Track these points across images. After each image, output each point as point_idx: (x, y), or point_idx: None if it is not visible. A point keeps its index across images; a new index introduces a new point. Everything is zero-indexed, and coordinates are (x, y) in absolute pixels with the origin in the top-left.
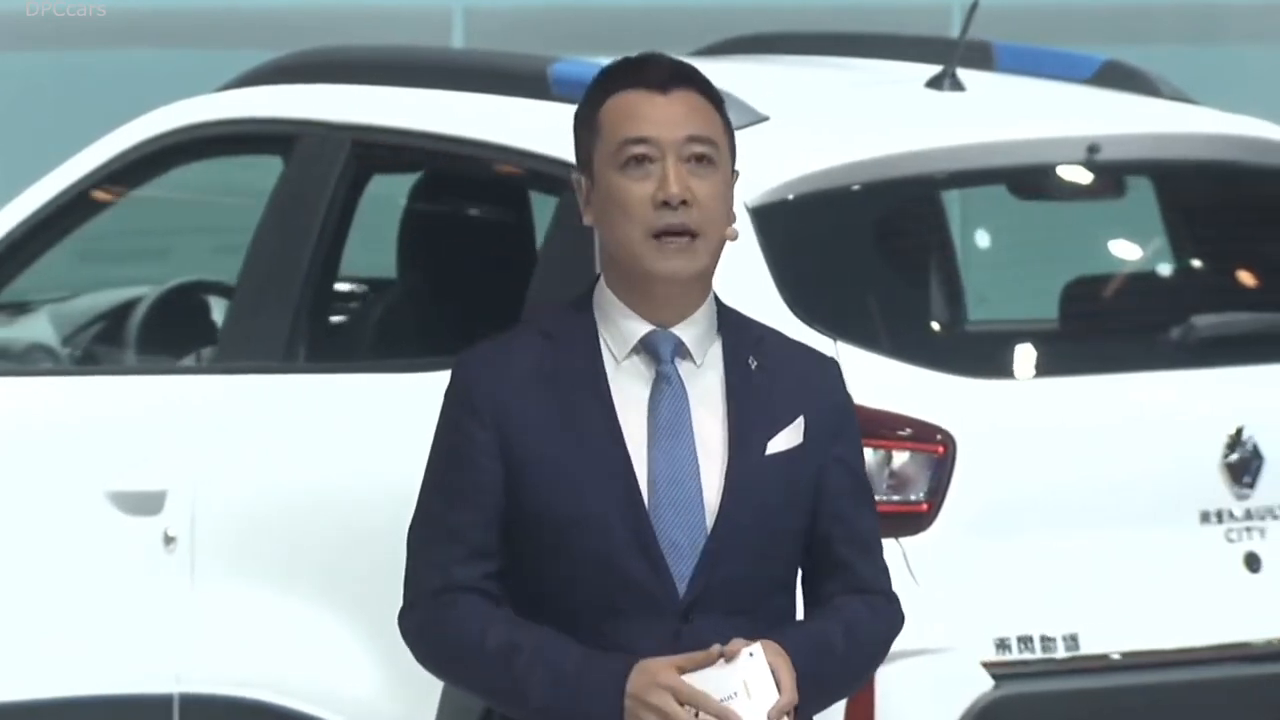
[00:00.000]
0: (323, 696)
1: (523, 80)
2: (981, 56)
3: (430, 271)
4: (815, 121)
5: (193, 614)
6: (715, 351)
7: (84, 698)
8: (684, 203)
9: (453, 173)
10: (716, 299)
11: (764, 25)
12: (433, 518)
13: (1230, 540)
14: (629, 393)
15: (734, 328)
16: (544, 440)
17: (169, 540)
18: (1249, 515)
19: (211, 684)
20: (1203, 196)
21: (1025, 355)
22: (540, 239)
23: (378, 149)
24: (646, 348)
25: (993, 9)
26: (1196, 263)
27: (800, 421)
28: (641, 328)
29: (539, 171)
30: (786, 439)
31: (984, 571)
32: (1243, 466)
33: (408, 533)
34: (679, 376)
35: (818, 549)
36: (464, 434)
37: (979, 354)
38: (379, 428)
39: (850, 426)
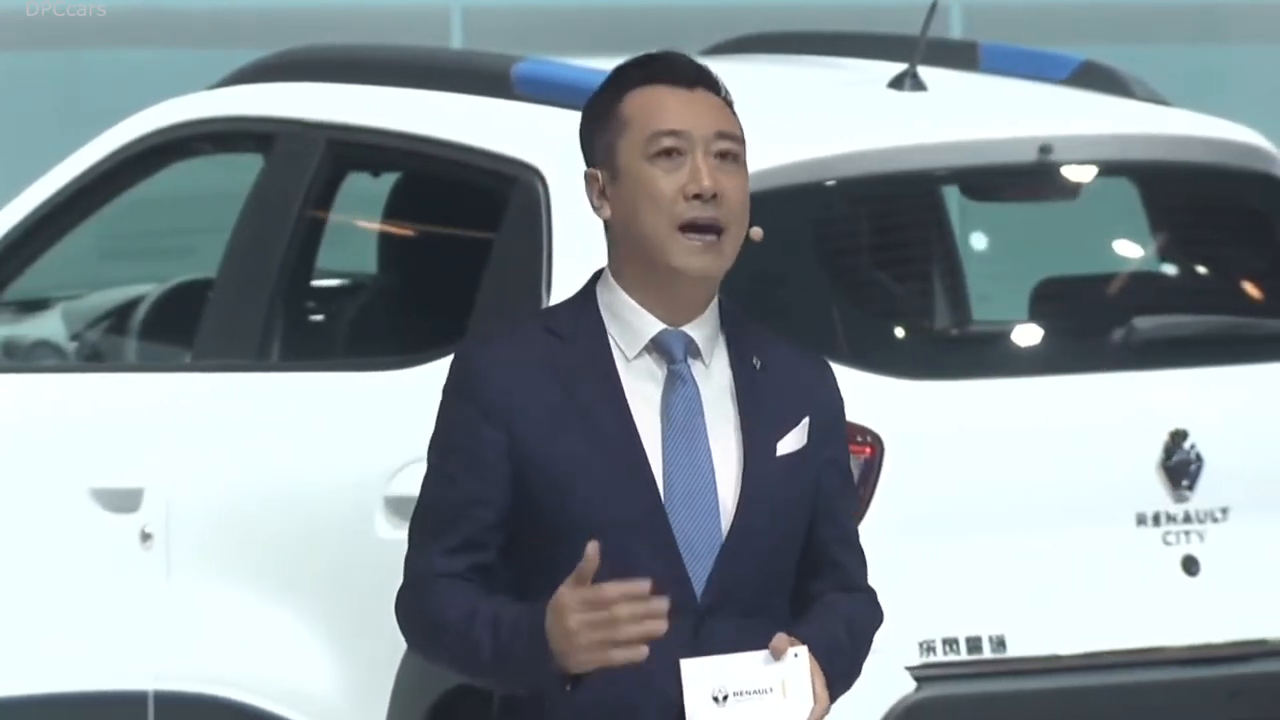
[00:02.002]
0: (296, 696)
1: (485, 79)
2: (967, 57)
3: (400, 270)
4: (764, 122)
5: (169, 611)
6: (721, 351)
7: (60, 694)
8: (714, 196)
9: (418, 171)
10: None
11: (764, 25)
12: (433, 509)
13: (1168, 543)
14: (641, 392)
15: (737, 327)
16: (556, 439)
17: (146, 538)
18: (1188, 518)
19: (186, 681)
20: (1163, 198)
21: (955, 357)
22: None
23: (349, 147)
24: (658, 346)
25: (995, 9)
26: (1140, 265)
27: (805, 423)
28: (653, 326)
29: (499, 171)
30: (794, 440)
31: (911, 573)
32: (1182, 469)
33: (410, 519)
34: (692, 376)
35: (813, 549)
36: (471, 430)
37: (908, 355)
38: (354, 426)
39: (841, 428)
